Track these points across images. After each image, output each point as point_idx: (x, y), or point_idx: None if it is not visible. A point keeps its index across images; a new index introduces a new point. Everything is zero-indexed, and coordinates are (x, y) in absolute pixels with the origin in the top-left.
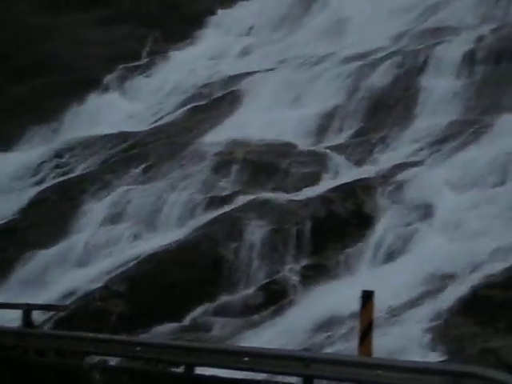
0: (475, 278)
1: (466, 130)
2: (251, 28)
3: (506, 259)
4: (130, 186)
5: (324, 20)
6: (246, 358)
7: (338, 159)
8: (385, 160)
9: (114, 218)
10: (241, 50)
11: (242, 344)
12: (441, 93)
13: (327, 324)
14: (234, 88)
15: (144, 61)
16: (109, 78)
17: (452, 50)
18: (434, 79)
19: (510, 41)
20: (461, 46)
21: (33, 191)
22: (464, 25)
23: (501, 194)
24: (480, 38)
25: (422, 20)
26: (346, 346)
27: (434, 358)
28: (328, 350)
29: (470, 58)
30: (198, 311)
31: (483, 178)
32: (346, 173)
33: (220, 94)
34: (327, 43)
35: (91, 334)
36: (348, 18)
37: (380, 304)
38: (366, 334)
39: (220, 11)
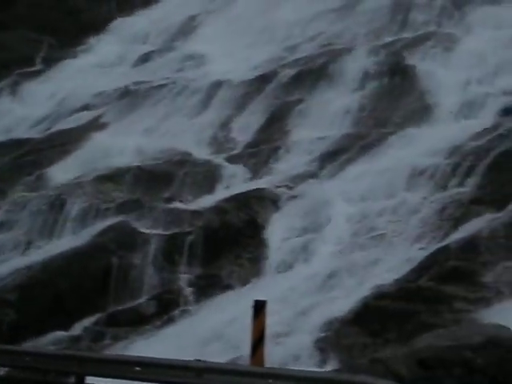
0: (366, 289)
1: (358, 143)
2: (149, 36)
3: (396, 271)
4: (23, 193)
5: (220, 27)
6: (138, 368)
7: (232, 169)
8: (279, 171)
9: (7, 226)
10: (137, 58)
11: (134, 354)
12: (335, 106)
13: (220, 334)
14: (128, 96)
15: (38, 67)
16: (2, 84)
17: (346, 65)
18: (328, 92)
19: (402, 56)
20: (355, 61)
21: None
22: (359, 40)
23: (389, 207)
24: (374, 53)
25: (317, 32)
26: (238, 356)
27: (326, 367)
28: (220, 360)
29: (363, 73)
30: (90, 320)
31: (374, 190)
32: (240, 183)
33: (114, 102)
34: (225, 53)
35: None
36: (244, 27)
37: (272, 314)
38: (257, 344)
39: (119, 19)
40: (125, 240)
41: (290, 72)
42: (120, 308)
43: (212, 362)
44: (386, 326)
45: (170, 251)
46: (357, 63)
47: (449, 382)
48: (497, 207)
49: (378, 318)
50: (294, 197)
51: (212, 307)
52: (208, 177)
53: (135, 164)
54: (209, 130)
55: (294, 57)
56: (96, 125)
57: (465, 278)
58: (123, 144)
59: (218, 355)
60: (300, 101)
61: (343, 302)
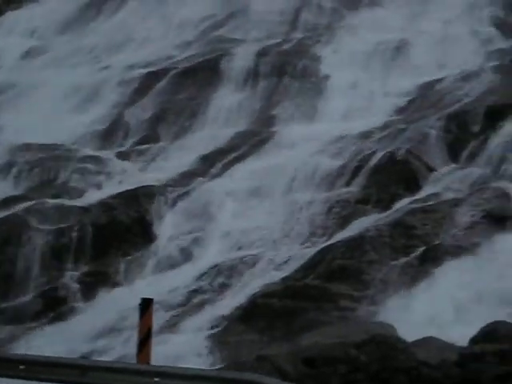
0: (254, 287)
1: (247, 141)
2: (36, 30)
3: (284, 269)
4: None
5: (112, 26)
6: (22, 366)
7: (121, 166)
8: (169, 168)
9: None
10: (23, 52)
11: (19, 352)
12: (225, 104)
13: (107, 331)
14: (15, 91)
15: None
16: None
17: (237, 63)
18: (219, 91)
19: (292, 56)
20: (245, 60)
21: None
22: (250, 39)
23: (277, 205)
24: (264, 53)
25: (208, 32)
26: (125, 354)
27: (213, 365)
28: (107, 358)
29: (254, 71)
30: None
31: (262, 189)
32: (129, 180)
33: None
34: (115, 49)
35: None
36: (136, 23)
37: (160, 311)
38: (144, 342)
39: (8, 12)
40: (10, 236)
41: (181, 69)
42: (5, 305)
43: (97, 360)
44: (273, 324)
45: (57, 248)
46: (247, 62)
47: (333, 380)
48: (382, 207)
49: (265, 316)
50: (183, 194)
51: (100, 304)
52: (96, 173)
53: (22, 160)
54: (98, 126)
55: (186, 54)
56: None
57: (351, 276)
58: (11, 139)
59: (105, 353)
60: (191, 98)
61: (231, 299)
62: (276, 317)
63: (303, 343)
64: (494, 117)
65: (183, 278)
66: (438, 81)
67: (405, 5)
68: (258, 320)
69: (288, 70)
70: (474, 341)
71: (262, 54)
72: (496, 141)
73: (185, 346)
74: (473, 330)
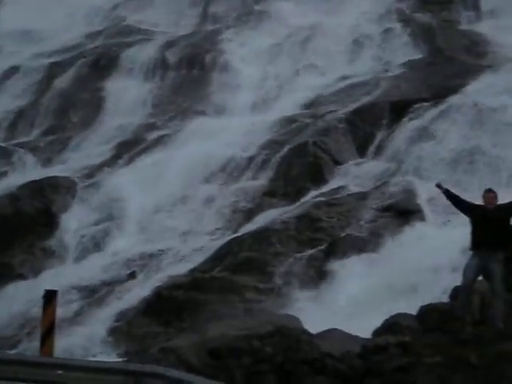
0: (160, 279)
1: (155, 133)
2: None
3: (191, 261)
4: None
5: (17, 16)
6: None
7: (26, 157)
8: (75, 159)
9: None
10: None
11: None
12: (132, 95)
13: (11, 324)
14: None
15: None
16: None
17: (144, 54)
18: (126, 81)
19: (201, 48)
20: (154, 51)
21: None
22: (158, 30)
23: (184, 197)
24: (172, 44)
25: (116, 22)
26: (29, 346)
27: (117, 357)
28: (12, 351)
29: (162, 63)
30: None
31: (170, 181)
32: (34, 171)
33: None
34: (20, 39)
35: None
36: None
37: (65, 304)
38: (47, 334)
39: None
40: None
41: (88, 59)
42: None
43: None
44: (178, 316)
45: None
46: (156, 53)
47: (238, 371)
48: (289, 200)
49: (171, 308)
50: (90, 186)
51: (3, 297)
52: (0, 164)
53: None
54: (2, 116)
55: (93, 44)
56: None
57: (257, 268)
58: None
59: (10, 346)
60: (98, 89)
61: (137, 291)
62: (182, 309)
63: (208, 335)
64: (399, 112)
65: (89, 269)
66: (346, 75)
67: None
68: (163, 312)
69: (197, 63)
70: (376, 333)
71: (170, 45)
72: (401, 135)
73: (89, 338)
74: (376, 323)
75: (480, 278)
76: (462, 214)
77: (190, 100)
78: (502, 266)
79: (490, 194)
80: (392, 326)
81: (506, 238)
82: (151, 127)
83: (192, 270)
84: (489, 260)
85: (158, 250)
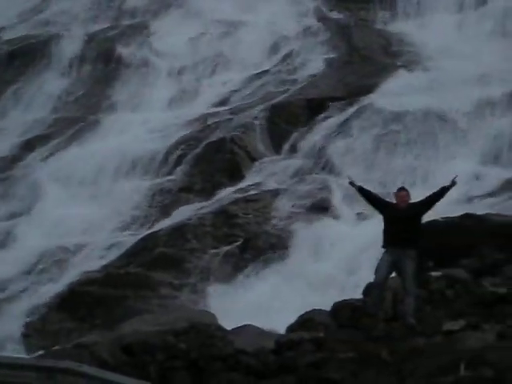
0: (74, 275)
1: (72, 127)
2: None
3: (106, 256)
4: None
5: None
6: None
7: None
8: None
9: None
10: None
11: None
12: (48, 89)
13: None
14: None
15: None
16: None
17: (62, 48)
18: (42, 75)
19: (119, 42)
20: (71, 44)
21: None
22: (75, 24)
23: (103, 192)
24: (90, 38)
25: (33, 14)
26: None
27: (30, 353)
28: None
29: (79, 57)
30: None
31: (85, 175)
32: None
33: None
34: None
35: None
36: None
37: None
38: None
39: None
40: None
41: (3, 52)
42: None
43: None
44: (93, 312)
45: None
46: (73, 47)
47: (152, 367)
48: (205, 196)
49: (85, 304)
50: (3, 179)
51: None
52: None
53: None
54: None
55: (9, 36)
56: None
57: (172, 264)
58: None
59: None
60: (12, 82)
61: (50, 287)
62: (96, 305)
63: (123, 331)
64: (316, 109)
65: (1, 264)
66: (264, 72)
67: None
68: (77, 308)
69: (114, 57)
70: (290, 329)
71: (88, 39)
72: (317, 133)
73: (2, 334)
74: (291, 319)
75: (393, 274)
76: (376, 212)
77: (106, 95)
78: (413, 263)
79: (401, 192)
80: (306, 321)
81: (418, 235)
82: (67, 121)
83: (106, 266)
84: (401, 257)
85: (73, 246)
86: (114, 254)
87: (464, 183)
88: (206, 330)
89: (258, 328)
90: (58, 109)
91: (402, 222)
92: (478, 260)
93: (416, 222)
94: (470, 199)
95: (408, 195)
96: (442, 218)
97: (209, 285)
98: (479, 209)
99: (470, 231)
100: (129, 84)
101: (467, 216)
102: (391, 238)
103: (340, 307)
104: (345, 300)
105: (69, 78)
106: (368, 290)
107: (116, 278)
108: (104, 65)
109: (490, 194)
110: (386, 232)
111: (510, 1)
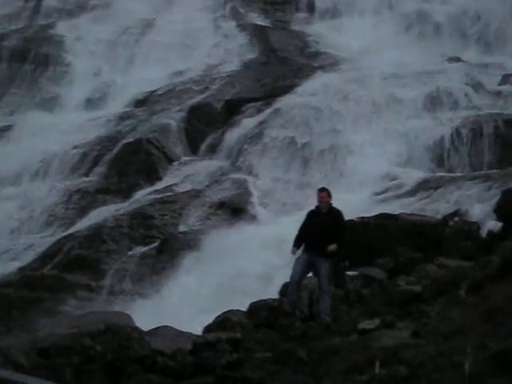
0: None
1: None
2: None
3: (21, 258)
4: None
5: None
6: None
7: None
8: None
9: None
10: None
11: None
12: None
13: None
14: None
15: None
16: None
17: None
18: None
19: (34, 42)
20: None
21: None
22: None
23: (18, 193)
24: (4, 37)
25: None
26: None
27: None
28: None
29: None
30: None
31: (2, 176)
32: None
33: None
34: None
35: None
36: None
37: None
38: None
39: None
40: None
41: None
42: None
43: None
44: (9, 314)
45: None
46: None
47: (67, 370)
48: (122, 197)
49: (0, 307)
50: None
51: None
52: None
53: None
54: None
55: None
56: None
57: (89, 266)
58: None
59: None
60: None
61: None
62: (12, 307)
63: (38, 334)
64: (233, 110)
65: None
66: (181, 73)
67: None
68: None
69: (29, 56)
70: (207, 329)
71: (2, 38)
72: (234, 134)
73: None
74: (208, 319)
75: (310, 274)
76: (293, 213)
77: (22, 95)
78: (329, 263)
79: (322, 193)
80: (223, 322)
81: (333, 235)
82: None
83: (22, 268)
84: (316, 257)
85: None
86: (29, 256)
87: (378, 184)
88: (122, 332)
89: (175, 329)
90: None
91: (319, 223)
92: (393, 259)
93: (332, 224)
94: (384, 200)
95: (328, 195)
96: (358, 217)
97: (125, 286)
98: (394, 209)
99: (385, 231)
100: (45, 84)
101: (382, 216)
102: (308, 238)
103: (257, 307)
104: (261, 300)
105: None
106: (284, 289)
107: (32, 280)
108: (19, 64)
109: (405, 195)
110: (303, 232)
111: (423, 3)
